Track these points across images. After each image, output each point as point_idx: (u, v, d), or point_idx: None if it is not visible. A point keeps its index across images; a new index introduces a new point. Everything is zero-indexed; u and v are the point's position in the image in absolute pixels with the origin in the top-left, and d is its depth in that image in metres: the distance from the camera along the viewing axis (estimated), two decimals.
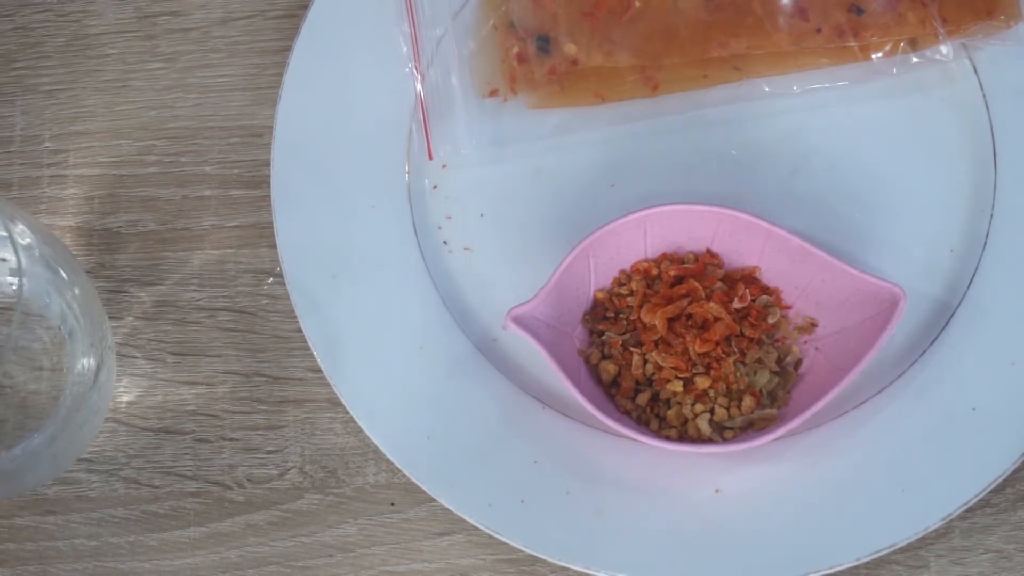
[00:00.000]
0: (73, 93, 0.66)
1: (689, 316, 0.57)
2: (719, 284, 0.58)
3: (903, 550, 0.57)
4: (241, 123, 0.65)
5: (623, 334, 0.58)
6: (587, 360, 0.59)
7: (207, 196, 0.64)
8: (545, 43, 0.62)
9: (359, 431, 0.59)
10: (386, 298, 0.60)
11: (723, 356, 0.57)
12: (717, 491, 0.56)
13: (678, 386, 0.57)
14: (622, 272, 0.60)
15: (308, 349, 0.59)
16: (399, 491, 0.59)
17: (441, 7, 0.64)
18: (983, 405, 0.57)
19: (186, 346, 0.62)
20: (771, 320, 0.58)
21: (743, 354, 0.57)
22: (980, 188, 0.61)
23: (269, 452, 0.60)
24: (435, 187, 0.63)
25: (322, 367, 0.59)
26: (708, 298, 0.57)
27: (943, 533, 0.58)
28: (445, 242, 0.62)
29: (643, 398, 0.57)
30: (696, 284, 0.58)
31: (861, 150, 0.62)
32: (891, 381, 0.58)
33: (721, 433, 0.57)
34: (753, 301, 0.58)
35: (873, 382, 0.58)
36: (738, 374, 0.57)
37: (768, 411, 0.57)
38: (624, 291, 0.59)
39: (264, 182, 0.63)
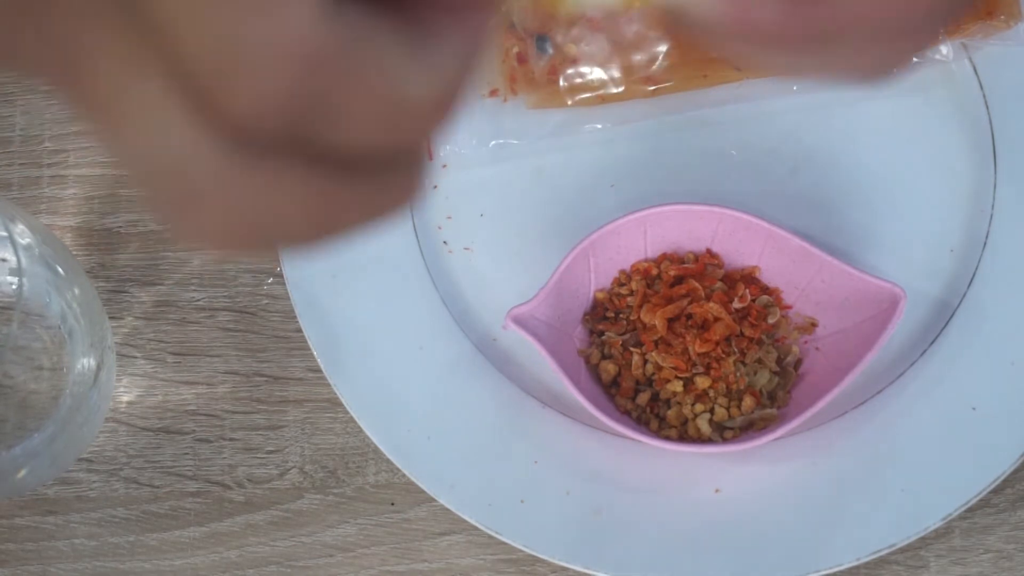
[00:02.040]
0: None
1: (689, 316, 0.57)
2: (719, 284, 0.58)
3: (903, 550, 0.57)
4: None
5: (623, 334, 0.58)
6: (587, 360, 0.59)
7: None
8: (545, 43, 0.62)
9: (359, 431, 0.59)
10: (386, 298, 0.60)
11: (723, 356, 0.57)
12: (717, 491, 0.56)
13: (678, 386, 0.57)
14: (622, 272, 0.60)
15: (308, 349, 0.59)
16: (399, 491, 0.59)
17: None
18: (983, 405, 0.57)
19: (186, 346, 0.62)
20: (771, 320, 0.58)
21: (743, 354, 0.57)
22: (980, 188, 0.61)
23: (269, 452, 0.60)
24: (435, 187, 0.63)
25: (322, 367, 0.59)
26: (708, 298, 0.57)
27: (943, 533, 0.57)
28: (445, 242, 0.62)
29: (643, 398, 0.57)
30: (696, 284, 0.58)
31: (861, 150, 0.62)
32: (891, 381, 0.58)
33: (721, 433, 0.57)
34: (753, 301, 0.58)
35: (873, 382, 0.58)
36: (738, 374, 0.57)
37: (768, 411, 0.57)
38: (624, 291, 0.59)
39: None
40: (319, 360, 0.59)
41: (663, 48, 0.62)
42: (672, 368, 0.57)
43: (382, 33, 0.24)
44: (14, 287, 0.50)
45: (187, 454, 0.60)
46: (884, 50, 0.30)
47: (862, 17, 0.28)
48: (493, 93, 0.63)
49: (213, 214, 0.24)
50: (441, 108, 0.25)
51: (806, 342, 0.59)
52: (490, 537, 0.57)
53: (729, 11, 0.28)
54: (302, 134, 0.23)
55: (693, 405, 0.57)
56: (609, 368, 0.58)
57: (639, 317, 0.58)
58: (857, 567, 0.56)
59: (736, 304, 0.58)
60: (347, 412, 0.58)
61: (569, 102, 0.63)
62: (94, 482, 0.60)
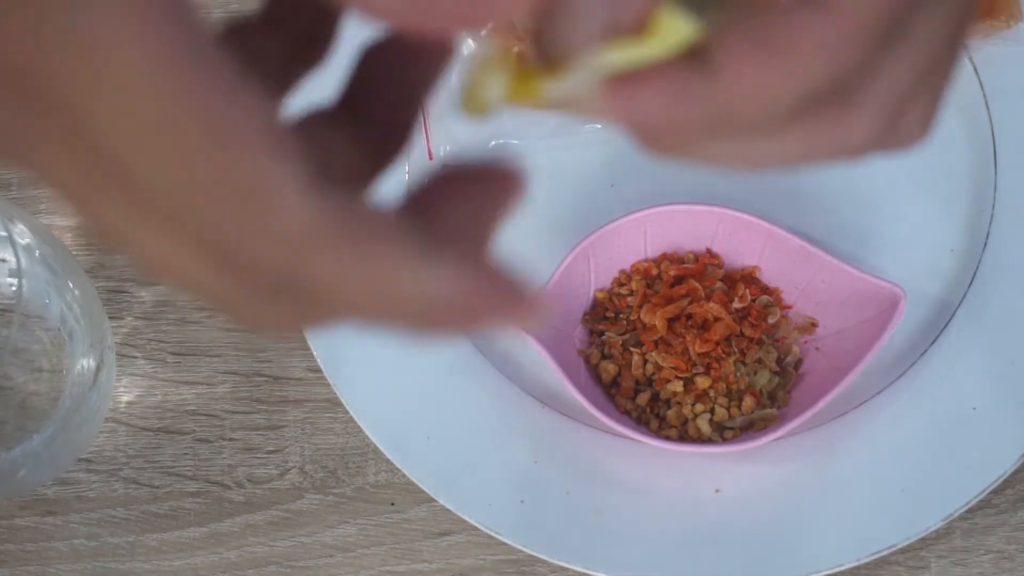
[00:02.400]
0: None
1: (689, 316, 0.57)
2: (719, 284, 0.58)
3: (903, 550, 0.57)
4: None
5: (623, 334, 0.58)
6: (587, 360, 0.59)
7: None
8: None
9: (359, 431, 0.59)
10: None
11: (723, 356, 0.57)
12: (717, 491, 0.56)
13: (678, 386, 0.57)
14: (622, 272, 0.60)
15: (308, 349, 0.59)
16: (399, 491, 0.59)
17: None
18: (983, 405, 0.57)
19: (186, 346, 0.62)
20: (771, 320, 0.58)
21: (743, 354, 0.57)
22: (980, 188, 0.61)
23: (269, 452, 0.60)
24: None
25: (322, 367, 0.59)
26: (708, 298, 0.57)
27: (944, 534, 0.57)
28: None
29: (643, 398, 0.57)
30: (696, 284, 0.58)
31: None
32: (891, 381, 0.58)
33: (721, 433, 0.57)
34: (753, 301, 0.58)
35: (873, 382, 0.58)
36: (738, 374, 0.57)
37: (768, 411, 0.57)
38: (624, 291, 0.59)
39: None
40: (319, 360, 0.59)
41: None
42: (672, 368, 0.57)
43: (380, 221, 0.25)
44: (14, 288, 0.50)
45: (187, 454, 0.60)
46: (817, 130, 0.27)
47: (754, 94, 0.26)
48: None
49: (238, 320, 0.28)
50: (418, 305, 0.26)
51: (806, 342, 0.59)
52: (490, 537, 0.57)
53: (615, 108, 0.26)
54: (299, 288, 0.26)
55: (693, 405, 0.57)
56: (609, 368, 0.58)
57: (639, 317, 0.58)
58: (857, 567, 0.56)
59: (736, 304, 0.58)
60: (347, 412, 0.58)
61: None
62: (94, 482, 0.60)
